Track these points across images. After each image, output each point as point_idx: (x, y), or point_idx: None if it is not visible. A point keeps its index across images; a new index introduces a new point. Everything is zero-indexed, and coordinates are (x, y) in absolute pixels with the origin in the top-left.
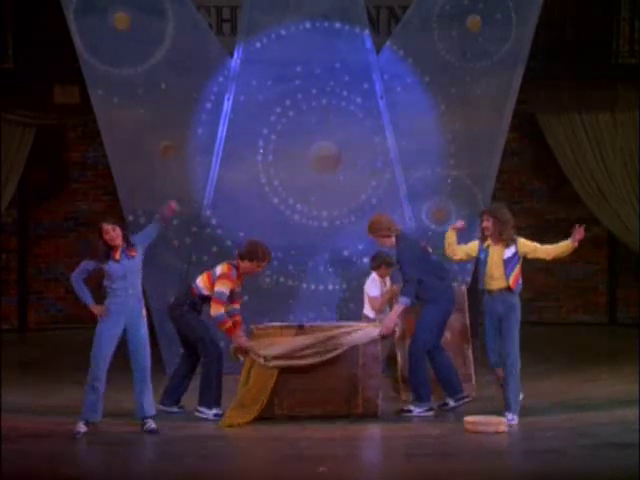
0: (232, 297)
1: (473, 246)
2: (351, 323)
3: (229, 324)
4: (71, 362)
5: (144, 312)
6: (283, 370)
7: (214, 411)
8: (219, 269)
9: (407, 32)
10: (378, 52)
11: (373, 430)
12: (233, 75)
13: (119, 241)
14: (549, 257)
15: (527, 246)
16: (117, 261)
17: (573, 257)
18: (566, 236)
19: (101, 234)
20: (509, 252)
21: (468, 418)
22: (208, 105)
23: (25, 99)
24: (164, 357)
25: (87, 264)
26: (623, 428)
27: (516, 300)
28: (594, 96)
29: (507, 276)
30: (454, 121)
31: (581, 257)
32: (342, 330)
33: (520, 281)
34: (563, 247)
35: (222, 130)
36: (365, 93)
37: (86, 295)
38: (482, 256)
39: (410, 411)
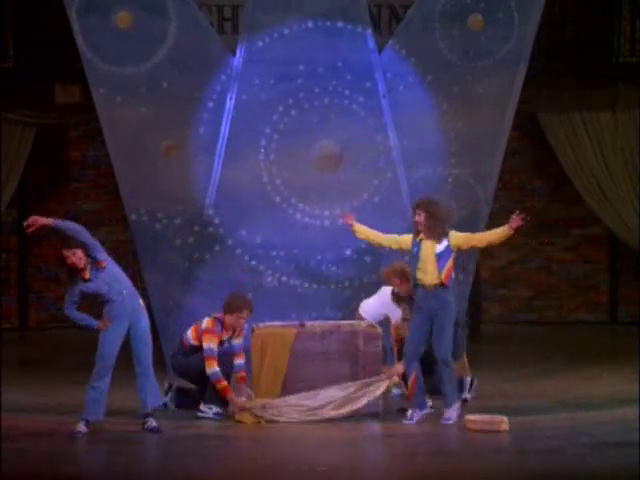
0: (233, 351)
1: (407, 239)
2: (352, 322)
3: (224, 383)
4: (71, 361)
5: (142, 305)
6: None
7: (214, 410)
8: (204, 323)
9: (409, 31)
10: (380, 51)
11: (374, 429)
12: (235, 74)
13: (82, 263)
14: (482, 244)
15: (459, 238)
16: (88, 280)
17: (574, 256)
18: (566, 236)
19: (64, 261)
20: (441, 247)
21: (469, 417)
22: (210, 104)
23: (25, 98)
24: (166, 355)
25: (70, 295)
26: (623, 427)
27: (450, 296)
28: (595, 95)
29: (439, 271)
30: (456, 120)
31: (582, 256)
32: (353, 391)
33: (453, 276)
34: (498, 233)
35: (224, 129)
36: (367, 92)
37: (85, 320)
38: (415, 251)
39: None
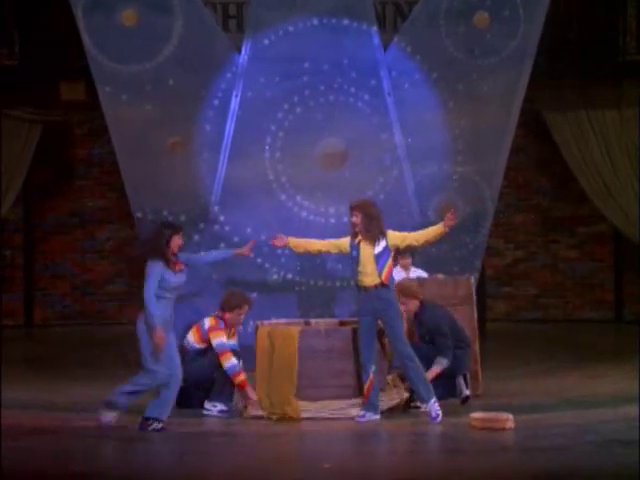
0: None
1: (345, 242)
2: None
3: (242, 377)
4: (76, 359)
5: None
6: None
7: (219, 407)
8: (207, 322)
9: (415, 29)
10: (385, 48)
11: (378, 426)
12: (241, 72)
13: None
14: (419, 242)
15: (396, 237)
16: (177, 272)
17: (579, 254)
18: (571, 234)
19: (169, 241)
20: (379, 247)
21: (474, 415)
22: (215, 102)
23: (31, 96)
24: None
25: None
26: (628, 425)
27: (392, 295)
28: (600, 93)
29: (379, 272)
30: (461, 118)
31: (587, 254)
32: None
33: (393, 275)
34: (434, 231)
35: (229, 127)
36: (372, 90)
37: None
38: (354, 253)
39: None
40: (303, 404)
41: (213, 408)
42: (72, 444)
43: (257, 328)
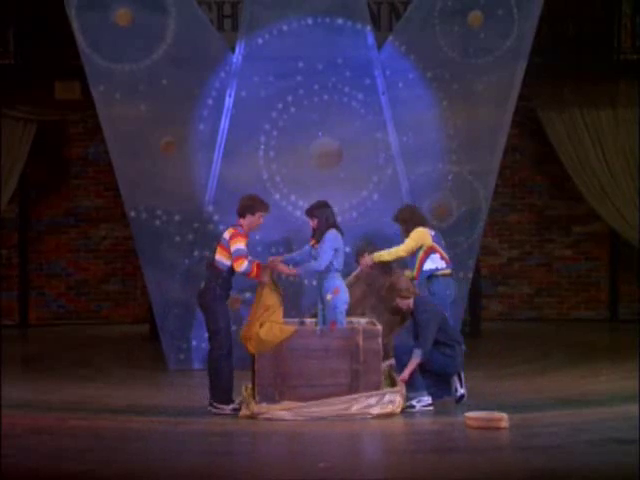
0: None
1: (307, 249)
2: (352, 319)
3: (255, 271)
4: (72, 358)
5: None
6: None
7: (231, 406)
8: (226, 234)
9: (409, 28)
10: (379, 47)
11: (374, 426)
12: (235, 71)
13: None
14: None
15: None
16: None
17: (574, 253)
18: (567, 233)
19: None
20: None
21: (469, 414)
22: (210, 101)
23: (26, 95)
24: (165, 352)
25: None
26: (624, 424)
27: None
28: (595, 92)
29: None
30: (456, 117)
31: (582, 253)
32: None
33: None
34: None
35: (224, 126)
36: (367, 89)
37: None
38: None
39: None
40: (303, 405)
41: (226, 407)
42: (67, 444)
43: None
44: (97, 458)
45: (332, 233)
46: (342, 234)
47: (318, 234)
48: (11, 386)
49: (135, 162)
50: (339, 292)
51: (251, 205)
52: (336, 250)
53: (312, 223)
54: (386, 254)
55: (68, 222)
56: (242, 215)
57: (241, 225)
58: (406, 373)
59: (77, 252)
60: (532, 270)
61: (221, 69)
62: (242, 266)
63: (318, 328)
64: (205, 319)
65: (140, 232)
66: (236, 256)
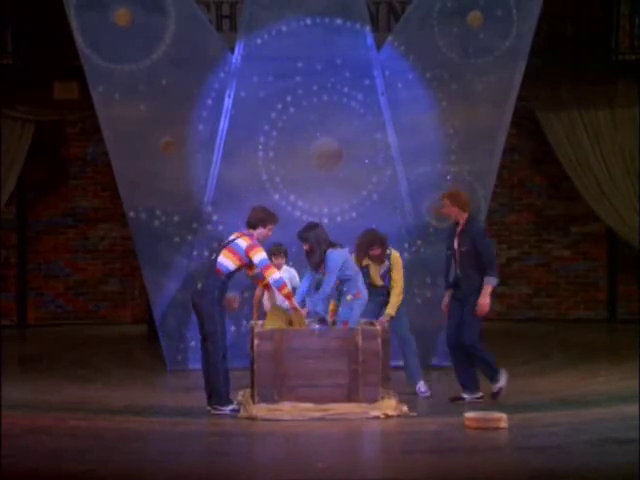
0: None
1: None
2: None
3: (289, 289)
4: (71, 358)
5: None
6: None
7: (230, 407)
8: (242, 242)
9: (408, 28)
10: (378, 48)
11: (372, 426)
12: (234, 71)
13: None
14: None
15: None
16: None
17: (573, 253)
18: (565, 233)
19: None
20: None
21: (468, 414)
22: (209, 101)
23: (24, 95)
24: (165, 353)
25: None
26: (623, 424)
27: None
28: (594, 93)
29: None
30: (455, 117)
31: (581, 253)
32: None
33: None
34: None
35: (223, 126)
36: (366, 89)
37: None
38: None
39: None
40: (303, 406)
41: (225, 408)
42: (66, 444)
43: (251, 327)
44: (96, 458)
45: (331, 255)
46: (340, 246)
47: (312, 259)
48: (10, 386)
49: (134, 162)
50: (360, 296)
51: (264, 218)
52: (343, 263)
53: (305, 247)
54: (393, 304)
55: (66, 222)
56: (254, 227)
57: (251, 235)
58: (484, 300)
59: (75, 252)
60: (531, 270)
61: (220, 69)
62: (275, 275)
63: (317, 328)
64: (200, 321)
65: (139, 232)
66: (264, 265)
